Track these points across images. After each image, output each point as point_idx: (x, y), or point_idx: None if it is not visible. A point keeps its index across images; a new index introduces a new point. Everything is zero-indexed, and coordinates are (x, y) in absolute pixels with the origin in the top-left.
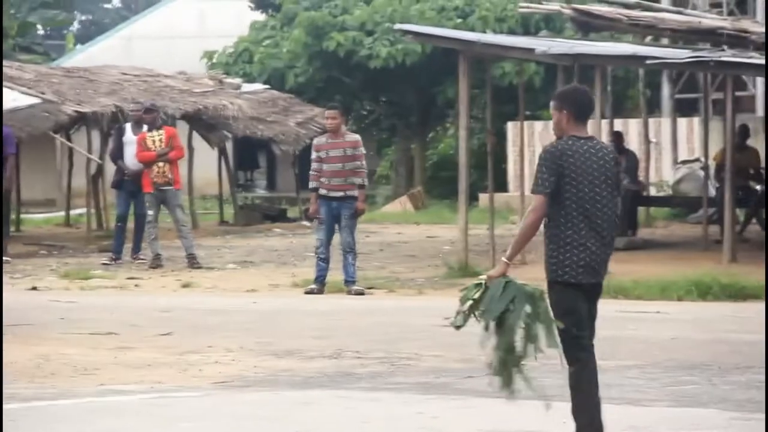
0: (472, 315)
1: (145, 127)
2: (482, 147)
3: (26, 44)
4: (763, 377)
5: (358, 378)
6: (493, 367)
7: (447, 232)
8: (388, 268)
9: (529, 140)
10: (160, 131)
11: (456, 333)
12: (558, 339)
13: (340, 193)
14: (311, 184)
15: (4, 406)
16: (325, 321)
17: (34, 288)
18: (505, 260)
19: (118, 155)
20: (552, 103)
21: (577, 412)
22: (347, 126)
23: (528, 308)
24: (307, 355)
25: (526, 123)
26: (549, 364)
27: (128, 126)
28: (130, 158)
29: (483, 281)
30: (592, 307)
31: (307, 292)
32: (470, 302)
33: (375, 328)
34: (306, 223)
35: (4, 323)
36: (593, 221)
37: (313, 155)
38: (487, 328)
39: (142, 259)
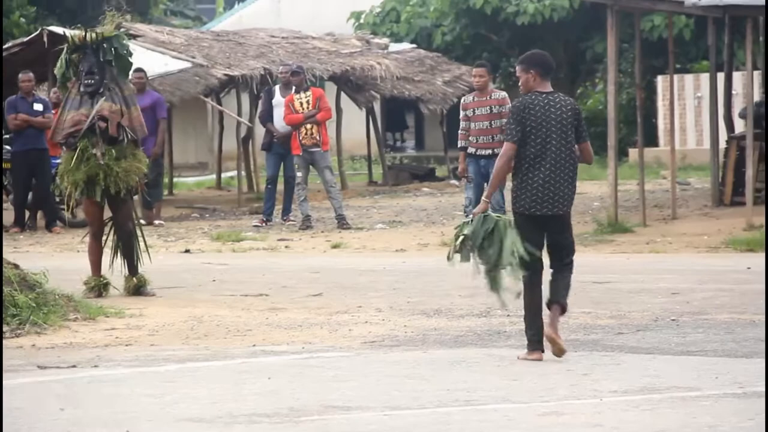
0: (465, 247)
1: (293, 89)
2: (631, 102)
3: (178, 9)
4: None
5: (507, 336)
6: (481, 274)
7: (596, 189)
8: None
9: (680, 94)
10: (308, 93)
11: (605, 290)
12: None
13: (488, 151)
14: (459, 143)
15: (161, 368)
16: (474, 279)
17: (187, 251)
18: (485, 199)
19: (267, 118)
20: (518, 66)
21: (525, 315)
22: (495, 84)
23: (501, 233)
24: (457, 313)
25: (676, 77)
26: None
27: (277, 88)
28: (279, 120)
29: (471, 219)
30: (556, 235)
31: (456, 251)
32: (462, 237)
33: None
34: (454, 182)
35: (160, 286)
36: (549, 162)
37: (461, 114)
38: (476, 252)
39: (292, 221)
